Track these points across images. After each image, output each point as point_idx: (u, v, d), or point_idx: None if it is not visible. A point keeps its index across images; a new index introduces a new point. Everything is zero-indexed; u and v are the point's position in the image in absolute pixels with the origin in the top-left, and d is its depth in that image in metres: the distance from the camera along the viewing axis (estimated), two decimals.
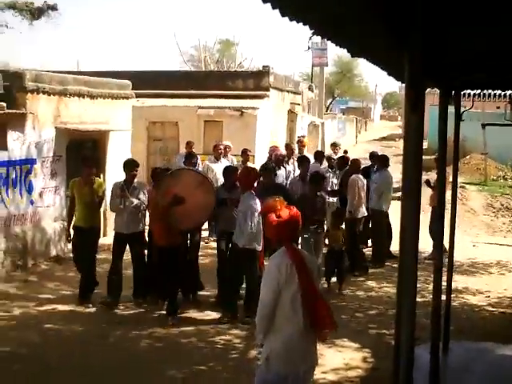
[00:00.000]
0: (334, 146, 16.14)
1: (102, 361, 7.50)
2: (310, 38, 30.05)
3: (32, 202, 11.96)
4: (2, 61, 55.55)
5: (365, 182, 12.38)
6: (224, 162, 13.67)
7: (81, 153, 12.53)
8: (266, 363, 4.84)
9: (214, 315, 9.21)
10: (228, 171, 10.04)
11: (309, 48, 31.31)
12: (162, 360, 7.58)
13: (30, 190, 11.89)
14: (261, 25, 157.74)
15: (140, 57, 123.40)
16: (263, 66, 23.03)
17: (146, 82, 19.58)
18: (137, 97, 16.38)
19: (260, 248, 8.97)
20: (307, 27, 3.53)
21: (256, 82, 22.22)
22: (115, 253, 9.90)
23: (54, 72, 13.60)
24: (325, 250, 10.99)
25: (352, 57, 4.94)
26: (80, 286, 9.91)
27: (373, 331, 8.85)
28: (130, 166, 9.88)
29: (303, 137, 17.84)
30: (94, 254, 10.14)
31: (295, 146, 16.60)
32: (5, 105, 11.12)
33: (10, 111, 11.29)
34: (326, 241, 11.54)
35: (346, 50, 4.31)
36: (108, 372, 7.24)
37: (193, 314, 9.37)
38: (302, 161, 12.51)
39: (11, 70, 14.57)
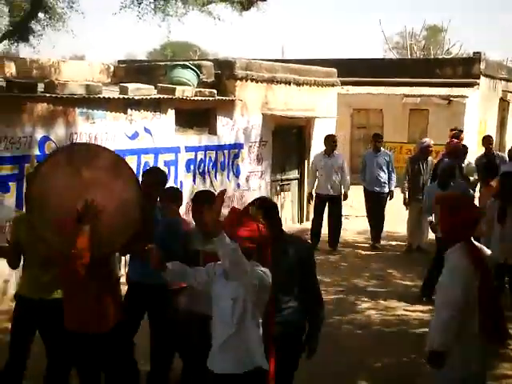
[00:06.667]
0: None
1: None
2: None
3: (239, 186, 12.31)
4: (213, 50, 58.46)
5: None
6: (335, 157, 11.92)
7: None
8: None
9: None
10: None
11: None
12: None
13: (237, 174, 12.23)
14: (471, 10, 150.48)
15: (344, 44, 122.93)
16: (474, 53, 22.08)
17: (351, 69, 19.45)
18: (342, 84, 16.28)
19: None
20: None
21: (465, 69, 21.33)
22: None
23: (260, 60, 13.87)
24: None
25: None
26: None
27: None
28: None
29: (460, 131, 13.58)
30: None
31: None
32: (215, 92, 11.51)
33: (220, 98, 11.66)
34: None
35: None
36: None
37: None
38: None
39: (221, 58, 15.13)
